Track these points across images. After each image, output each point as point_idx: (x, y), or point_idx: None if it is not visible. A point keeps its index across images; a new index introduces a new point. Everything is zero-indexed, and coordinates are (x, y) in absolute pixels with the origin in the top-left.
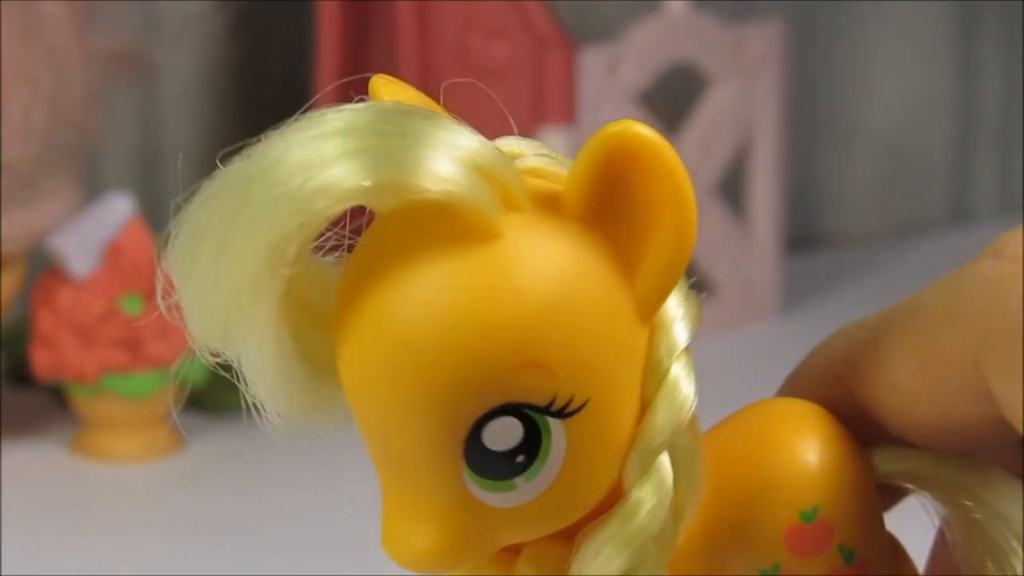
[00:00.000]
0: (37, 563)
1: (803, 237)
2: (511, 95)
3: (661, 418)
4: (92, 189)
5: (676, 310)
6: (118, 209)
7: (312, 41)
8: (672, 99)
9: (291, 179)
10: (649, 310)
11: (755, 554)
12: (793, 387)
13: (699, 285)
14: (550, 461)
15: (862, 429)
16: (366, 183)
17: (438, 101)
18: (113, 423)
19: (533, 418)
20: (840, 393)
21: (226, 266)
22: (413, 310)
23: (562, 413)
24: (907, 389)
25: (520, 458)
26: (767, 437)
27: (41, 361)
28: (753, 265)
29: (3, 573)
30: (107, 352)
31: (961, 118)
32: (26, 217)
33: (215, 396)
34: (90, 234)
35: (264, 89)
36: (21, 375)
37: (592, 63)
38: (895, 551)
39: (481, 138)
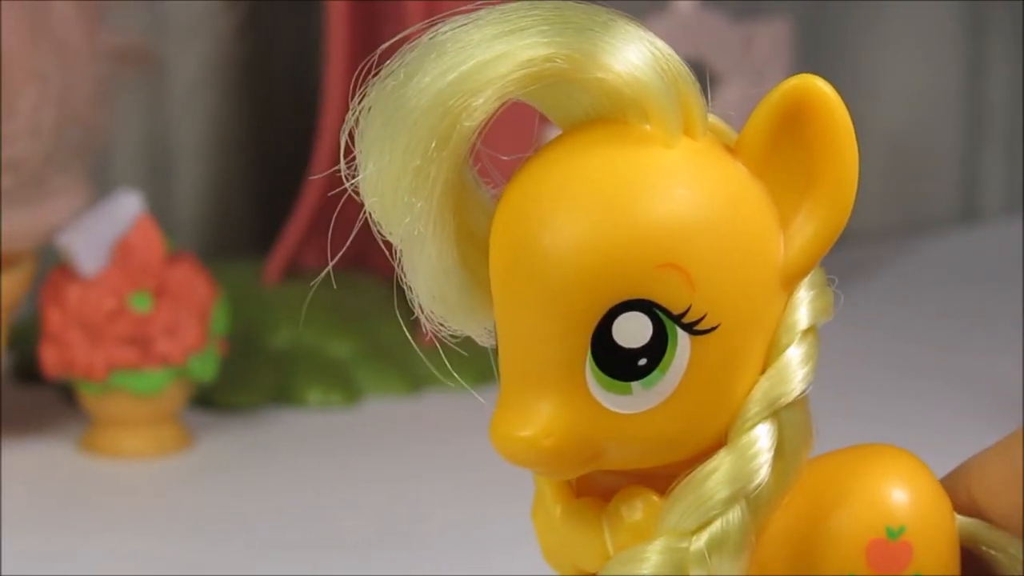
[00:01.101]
0: (46, 560)
1: None
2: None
3: (763, 390)
4: (101, 187)
5: (805, 292)
6: (127, 207)
7: (320, 39)
8: None
9: (480, 46)
10: (793, 275)
11: (835, 561)
12: None
13: None
14: (669, 374)
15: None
16: (550, 50)
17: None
18: (122, 421)
19: (664, 323)
20: (957, 492)
21: (409, 127)
22: (570, 190)
23: (692, 328)
24: (1009, 478)
25: (642, 361)
26: (872, 459)
27: (50, 359)
28: None
29: (12, 570)
30: (116, 350)
31: (969, 116)
32: (35, 215)
33: (224, 394)
34: (99, 232)
35: (273, 86)
36: (30, 372)
37: None
38: None
39: (676, 57)
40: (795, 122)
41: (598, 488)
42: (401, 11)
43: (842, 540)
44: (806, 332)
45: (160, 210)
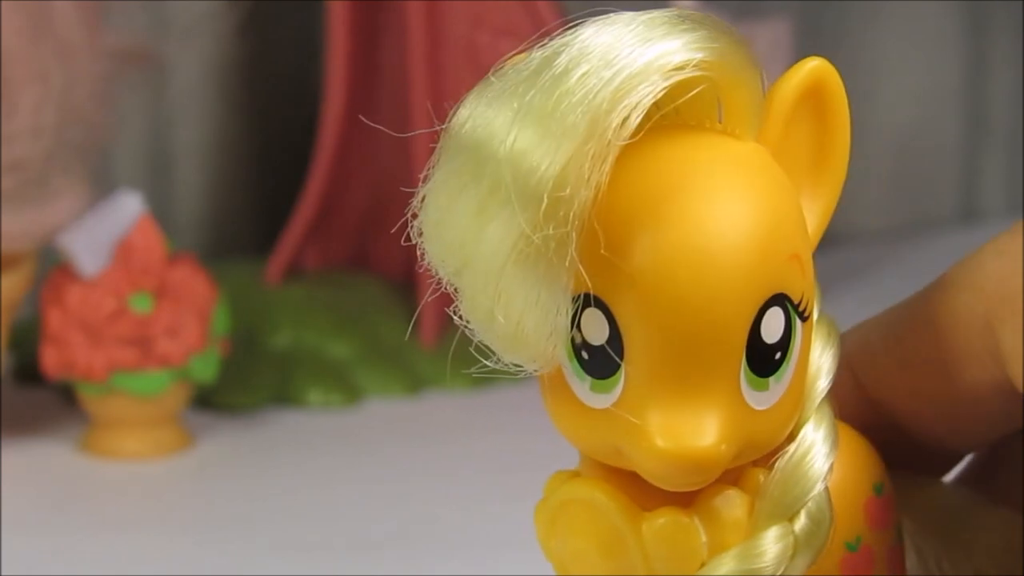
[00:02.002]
0: (45, 561)
1: None
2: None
3: (826, 362)
4: (102, 187)
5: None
6: (128, 207)
7: (321, 40)
8: None
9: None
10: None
11: (842, 527)
12: None
13: None
14: (790, 366)
15: (868, 419)
16: (699, 55)
17: (447, 99)
18: (122, 422)
19: (790, 315)
20: (848, 383)
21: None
22: (704, 189)
23: (803, 315)
24: (919, 365)
25: (778, 355)
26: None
27: (50, 359)
28: None
29: (12, 571)
30: (116, 351)
31: (970, 116)
32: (36, 215)
33: (224, 394)
34: (100, 232)
35: (274, 87)
36: (30, 373)
37: None
38: None
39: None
40: (809, 105)
41: (648, 498)
42: (402, 12)
43: (847, 508)
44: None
45: (161, 211)
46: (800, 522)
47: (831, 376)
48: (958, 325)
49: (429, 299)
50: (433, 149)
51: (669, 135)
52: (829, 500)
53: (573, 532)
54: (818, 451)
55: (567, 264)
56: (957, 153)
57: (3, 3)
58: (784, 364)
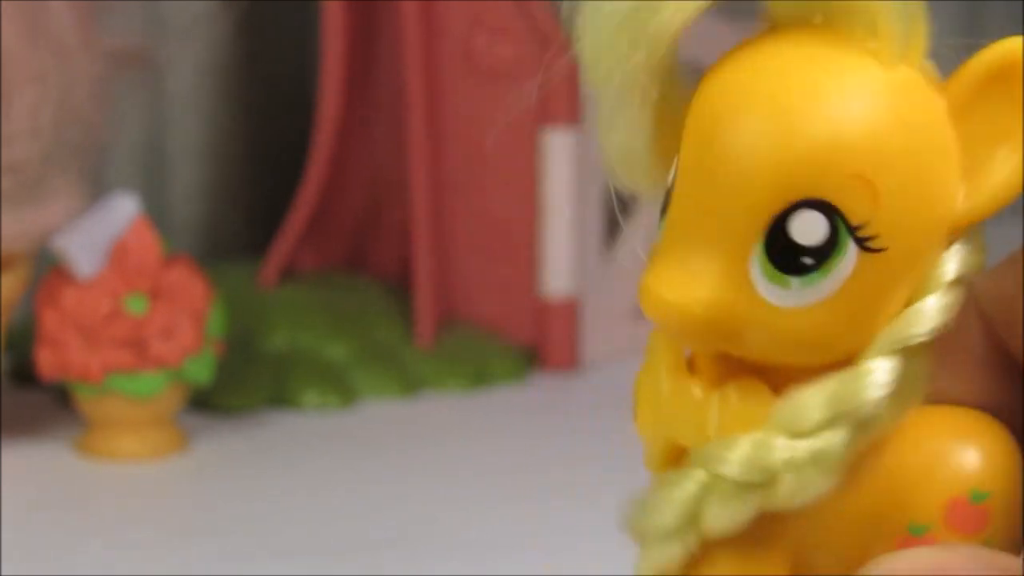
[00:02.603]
0: (41, 563)
1: None
2: (516, 95)
3: (901, 326)
4: (97, 189)
5: (963, 246)
6: (123, 209)
7: (317, 42)
8: None
9: None
10: (960, 228)
11: (914, 508)
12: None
13: None
14: (830, 280)
15: (992, 355)
16: None
17: (443, 99)
18: (118, 423)
19: (839, 230)
20: (990, 347)
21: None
22: (782, 81)
23: (863, 243)
24: (1008, 293)
25: (808, 260)
26: (972, 422)
27: (46, 361)
28: None
29: (7, 573)
30: (112, 352)
31: None
32: (33, 216)
33: (220, 396)
34: (95, 234)
35: (270, 89)
36: (26, 375)
37: None
38: None
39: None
40: (1006, 79)
41: (713, 372)
42: (398, 14)
43: (926, 494)
44: (952, 283)
45: (156, 212)
46: (799, 447)
47: (903, 342)
48: None
49: (425, 301)
50: (429, 152)
51: (808, 34)
52: (844, 450)
53: (639, 379)
54: (834, 393)
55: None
56: None
57: (0, 5)
58: (817, 272)
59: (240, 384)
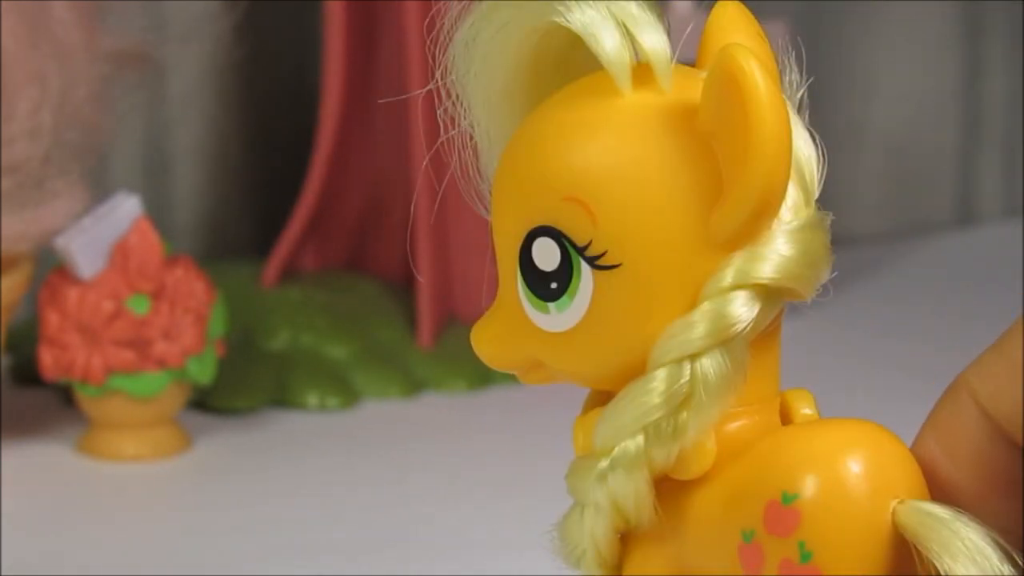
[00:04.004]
0: (43, 563)
1: None
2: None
3: (687, 324)
4: (99, 189)
5: (783, 249)
6: (125, 209)
7: (319, 42)
8: None
9: None
10: (717, 236)
11: (743, 512)
12: (929, 418)
13: None
14: (576, 300)
15: (986, 439)
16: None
17: (445, 100)
18: (120, 423)
19: (569, 252)
20: (964, 403)
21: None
22: (530, 124)
23: (592, 261)
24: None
25: (553, 285)
26: (819, 429)
27: (48, 361)
28: None
29: (7, 573)
30: (114, 352)
31: (966, 119)
32: (34, 217)
33: (222, 396)
34: (97, 235)
35: (271, 89)
36: (28, 375)
37: None
38: None
39: (655, 25)
40: (726, 92)
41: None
42: (399, 15)
43: (751, 498)
44: (757, 285)
45: (158, 213)
46: (604, 461)
47: (680, 351)
48: None
49: (426, 301)
50: (431, 151)
51: (577, 84)
52: (639, 455)
53: None
54: (625, 405)
55: None
56: (954, 156)
57: (1, 5)
58: (564, 297)
59: (242, 384)
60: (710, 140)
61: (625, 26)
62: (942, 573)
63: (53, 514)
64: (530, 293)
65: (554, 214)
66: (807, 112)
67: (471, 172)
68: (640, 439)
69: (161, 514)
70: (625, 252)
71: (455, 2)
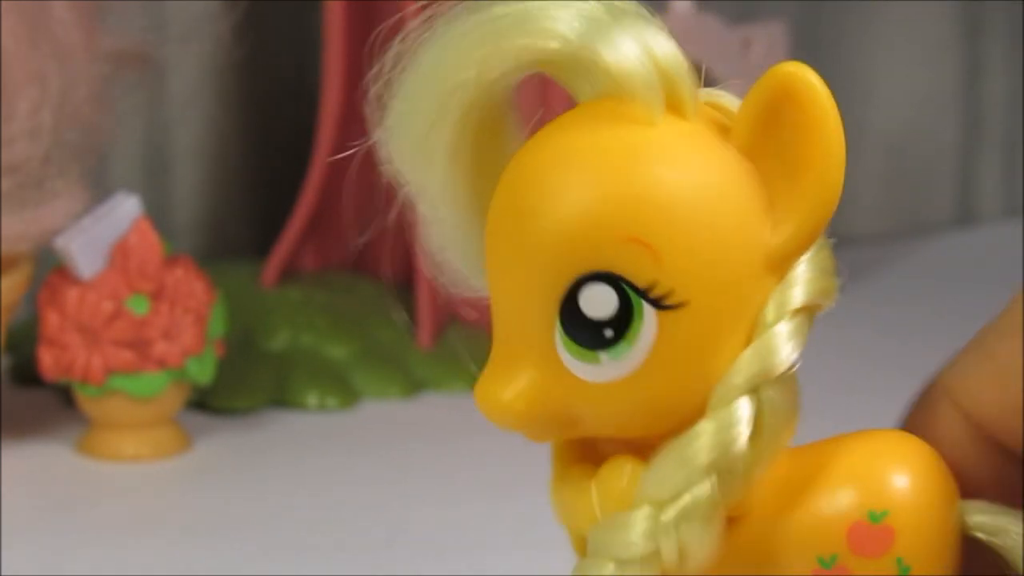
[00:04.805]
0: (43, 564)
1: None
2: (517, 96)
3: (746, 363)
4: (99, 189)
5: (803, 272)
6: (125, 209)
7: (318, 42)
8: None
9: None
10: (780, 261)
11: (818, 539)
12: (906, 419)
13: None
14: (636, 346)
15: (968, 444)
16: (556, 41)
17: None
18: (120, 423)
19: (629, 296)
20: (945, 409)
21: (427, 84)
22: (549, 159)
23: (657, 303)
24: (1013, 370)
25: (608, 332)
26: (862, 442)
27: (48, 361)
28: None
29: (7, 573)
30: (114, 352)
31: (966, 120)
32: (34, 217)
33: (222, 396)
34: (97, 235)
35: (271, 89)
36: (28, 375)
37: None
38: None
39: (674, 45)
40: (782, 109)
41: (599, 456)
42: (399, 15)
43: (827, 523)
44: (796, 311)
45: (158, 213)
46: (671, 511)
47: (755, 380)
48: None
49: (426, 301)
50: None
51: (574, 114)
52: (715, 500)
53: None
54: (698, 446)
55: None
56: (954, 156)
57: (1, 5)
58: (622, 343)
59: (241, 384)
60: (753, 160)
61: (647, 46)
62: (1013, 568)
63: (53, 514)
64: (573, 344)
65: (610, 258)
66: None
67: (421, 240)
68: (714, 481)
69: (161, 514)
70: (691, 289)
71: (450, 1)
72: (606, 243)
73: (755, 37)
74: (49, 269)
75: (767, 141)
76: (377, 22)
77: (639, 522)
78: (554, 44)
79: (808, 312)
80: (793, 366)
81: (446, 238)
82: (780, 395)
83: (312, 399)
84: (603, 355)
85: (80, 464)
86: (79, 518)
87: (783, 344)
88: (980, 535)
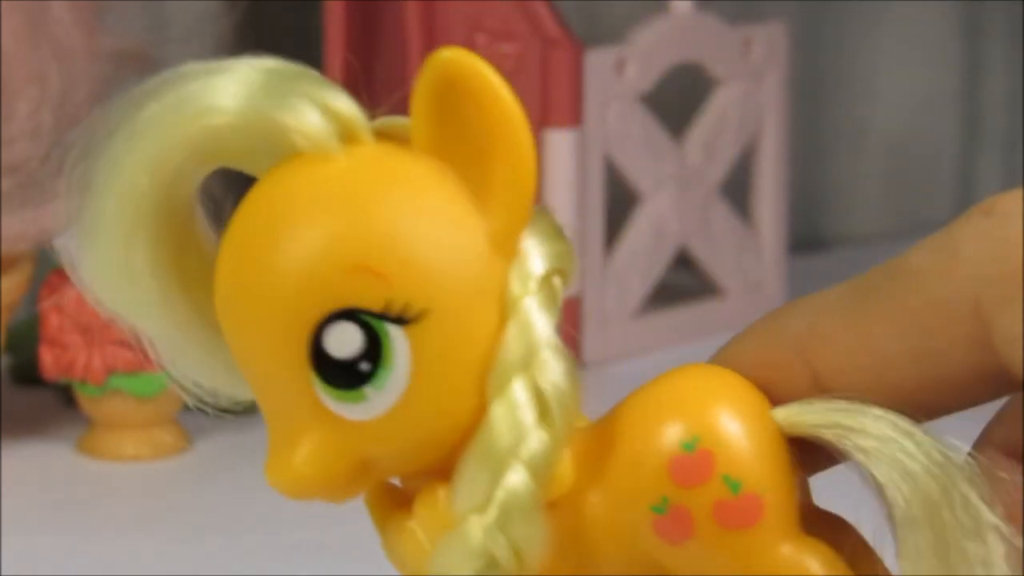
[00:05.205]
0: (44, 563)
1: (809, 238)
2: (517, 96)
3: (509, 344)
4: None
5: (530, 242)
6: None
7: (319, 42)
8: (678, 100)
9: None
10: (502, 241)
11: (643, 489)
12: (730, 358)
13: (705, 287)
14: (396, 369)
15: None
16: (223, 116)
17: None
18: (120, 423)
19: (371, 324)
20: (792, 364)
21: (107, 209)
22: (252, 227)
23: (399, 320)
24: (888, 350)
25: (364, 365)
26: (655, 388)
27: (48, 361)
28: (759, 266)
29: (7, 573)
30: (114, 352)
31: (966, 119)
32: (34, 217)
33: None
34: None
35: None
36: (28, 375)
37: (598, 64)
38: (838, 525)
39: (336, 89)
40: (446, 99)
41: (411, 497)
42: (400, 15)
43: (645, 469)
44: (540, 280)
45: None
46: (489, 514)
47: (523, 359)
48: (941, 316)
49: None
50: None
51: (264, 179)
52: (530, 489)
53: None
54: (490, 442)
55: None
56: (953, 157)
57: (1, 5)
58: (380, 371)
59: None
60: (441, 156)
61: (310, 96)
62: (856, 455)
63: (53, 514)
64: (334, 389)
65: (339, 292)
66: (808, 112)
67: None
68: (521, 469)
69: (162, 513)
70: (427, 294)
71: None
72: (330, 282)
73: (755, 37)
74: (49, 269)
75: (445, 134)
76: (377, 22)
77: (468, 534)
78: (220, 119)
79: (551, 279)
80: (555, 334)
81: (183, 357)
82: (553, 366)
83: None
84: (367, 390)
85: (80, 464)
86: (79, 518)
87: (536, 315)
88: (808, 434)
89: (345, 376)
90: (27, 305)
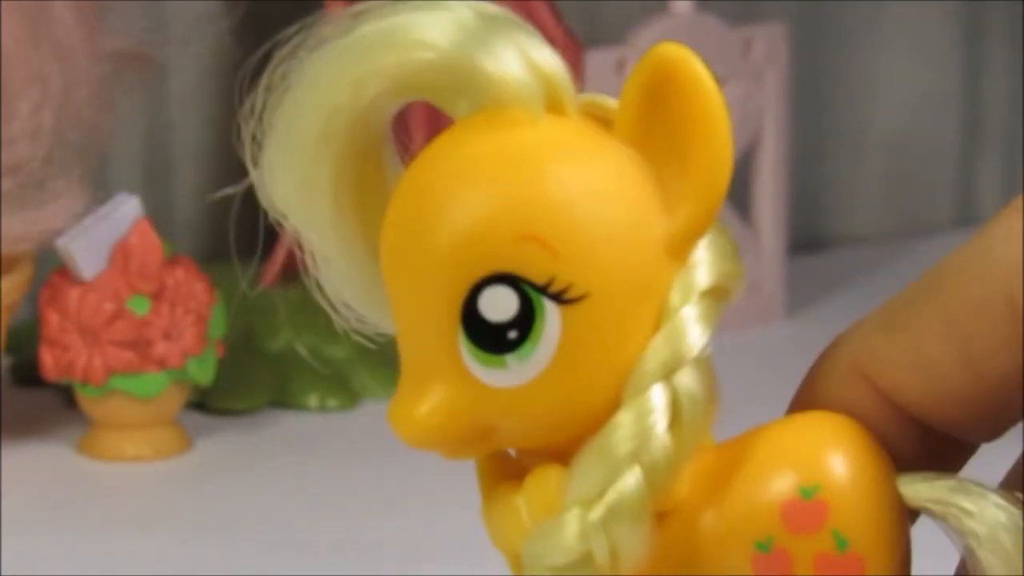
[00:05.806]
0: (44, 563)
1: (809, 239)
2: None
3: (656, 350)
4: (100, 190)
5: (705, 256)
6: (126, 210)
7: None
8: None
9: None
10: (678, 245)
11: (752, 523)
12: (809, 397)
13: None
14: (542, 345)
15: (888, 423)
16: (429, 52)
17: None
18: (120, 424)
19: (529, 295)
20: (861, 390)
21: (302, 115)
22: (436, 173)
23: (558, 298)
24: (935, 359)
25: (512, 334)
26: (790, 426)
27: (49, 362)
28: (759, 267)
29: (7, 573)
30: (115, 353)
31: (967, 120)
32: (35, 218)
33: (222, 397)
34: (98, 235)
35: None
36: (29, 375)
37: (599, 64)
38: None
39: (549, 48)
40: (662, 93)
41: (524, 471)
42: None
43: (759, 504)
44: (703, 294)
45: (159, 213)
46: (597, 510)
47: (667, 366)
48: (978, 315)
49: None
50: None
51: (456, 127)
52: (642, 493)
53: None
54: (616, 439)
55: None
56: (954, 158)
57: (2, 6)
58: (527, 343)
59: (242, 385)
60: (640, 148)
61: (523, 51)
62: (966, 539)
63: (53, 514)
64: (478, 351)
65: (505, 259)
66: (808, 112)
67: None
68: (638, 473)
69: (162, 514)
70: (591, 281)
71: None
72: (500, 244)
73: (755, 37)
74: (50, 269)
75: (651, 128)
76: None
77: (569, 525)
78: (428, 55)
79: (715, 295)
80: (705, 349)
81: (340, 277)
82: (695, 380)
83: (312, 399)
84: (510, 358)
85: (80, 464)
86: (79, 518)
87: (692, 327)
88: (924, 508)
89: (492, 340)
90: (28, 305)
